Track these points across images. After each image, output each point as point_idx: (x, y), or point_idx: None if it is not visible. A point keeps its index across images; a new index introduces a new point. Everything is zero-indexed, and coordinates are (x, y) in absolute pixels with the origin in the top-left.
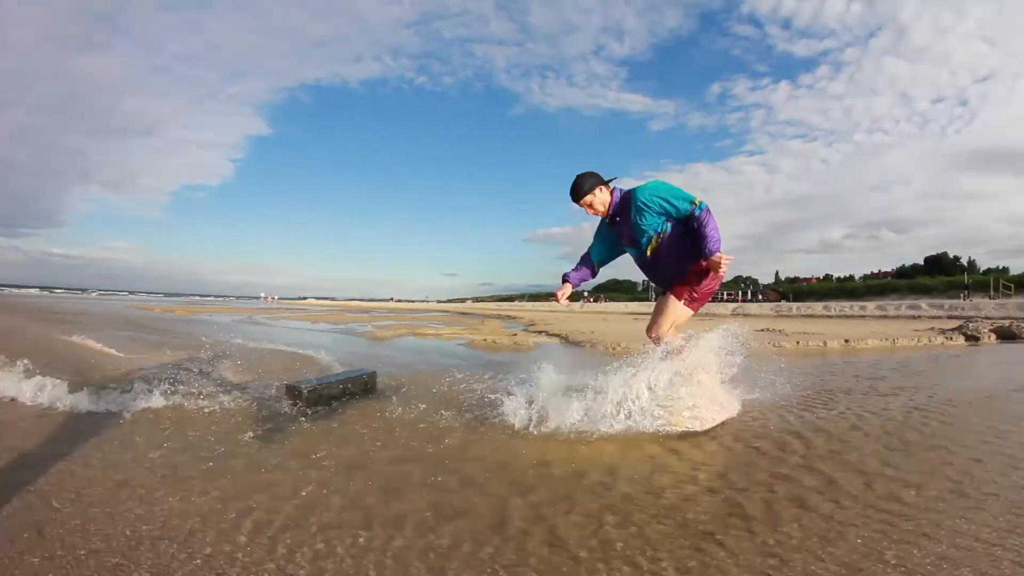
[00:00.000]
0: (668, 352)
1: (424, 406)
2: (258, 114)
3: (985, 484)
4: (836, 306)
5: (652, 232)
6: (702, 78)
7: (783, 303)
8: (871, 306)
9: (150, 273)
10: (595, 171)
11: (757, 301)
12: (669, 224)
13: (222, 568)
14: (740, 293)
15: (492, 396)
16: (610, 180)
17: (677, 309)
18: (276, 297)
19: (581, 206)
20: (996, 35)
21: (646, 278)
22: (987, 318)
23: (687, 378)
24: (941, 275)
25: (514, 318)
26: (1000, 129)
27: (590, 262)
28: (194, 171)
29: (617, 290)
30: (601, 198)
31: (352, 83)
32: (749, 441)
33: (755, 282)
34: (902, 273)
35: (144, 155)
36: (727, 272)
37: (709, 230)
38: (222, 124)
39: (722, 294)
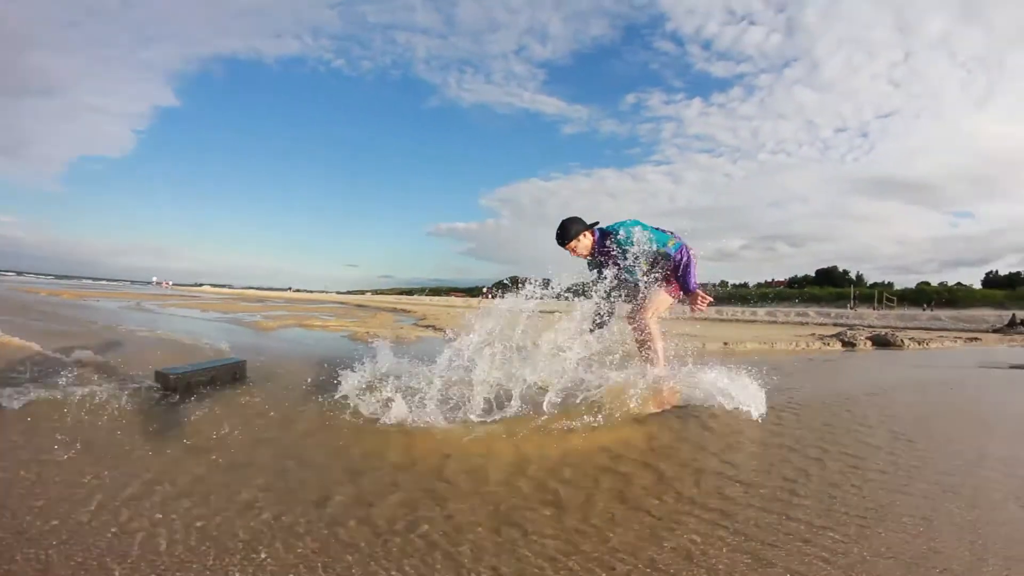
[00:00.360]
0: (643, 337)
1: (286, 395)
2: (168, 84)
3: (818, 483)
4: (728, 311)
5: (636, 269)
6: (618, 87)
7: (678, 306)
8: (762, 312)
9: (40, 252)
10: (578, 216)
11: None
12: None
13: (68, 535)
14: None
15: (352, 387)
16: (593, 224)
17: (660, 296)
18: (171, 283)
19: (566, 249)
20: (902, 78)
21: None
22: (869, 326)
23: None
24: (830, 286)
25: (409, 312)
26: (895, 161)
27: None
28: (94, 141)
29: (518, 287)
30: (584, 243)
31: (268, 59)
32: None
33: None
34: (794, 283)
35: (41, 118)
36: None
37: (685, 270)
38: (129, 92)
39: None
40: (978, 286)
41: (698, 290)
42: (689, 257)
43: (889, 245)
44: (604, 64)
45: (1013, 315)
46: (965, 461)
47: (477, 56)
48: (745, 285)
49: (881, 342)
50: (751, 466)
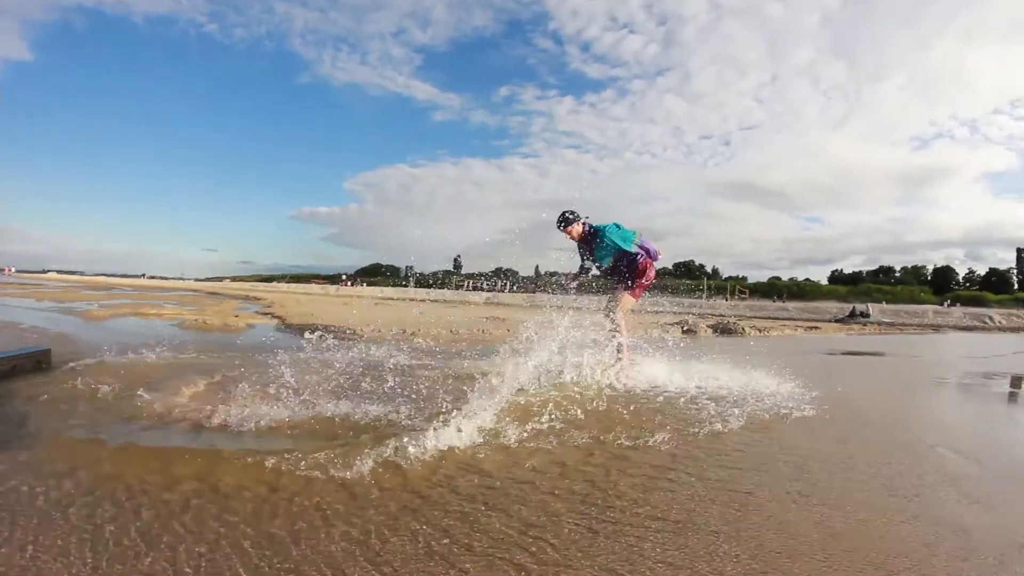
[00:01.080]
0: (614, 329)
1: (79, 381)
2: (22, 34)
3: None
4: (585, 300)
5: (608, 256)
6: (493, 79)
7: (538, 294)
8: None
9: None
10: (573, 209)
11: (513, 292)
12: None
13: None
14: (499, 283)
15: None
16: (585, 218)
17: (625, 297)
18: (13, 269)
19: (564, 232)
20: (767, 97)
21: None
22: (721, 315)
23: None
24: (687, 278)
25: (259, 299)
26: (754, 169)
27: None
28: None
29: (379, 274)
30: (577, 229)
31: (137, 16)
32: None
33: (514, 273)
34: None
35: None
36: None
37: (634, 266)
38: None
39: (482, 283)
40: (825, 282)
41: (640, 283)
42: (645, 259)
43: (744, 243)
44: (482, 55)
45: (853, 307)
46: None
47: (355, 35)
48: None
49: (723, 330)
50: None
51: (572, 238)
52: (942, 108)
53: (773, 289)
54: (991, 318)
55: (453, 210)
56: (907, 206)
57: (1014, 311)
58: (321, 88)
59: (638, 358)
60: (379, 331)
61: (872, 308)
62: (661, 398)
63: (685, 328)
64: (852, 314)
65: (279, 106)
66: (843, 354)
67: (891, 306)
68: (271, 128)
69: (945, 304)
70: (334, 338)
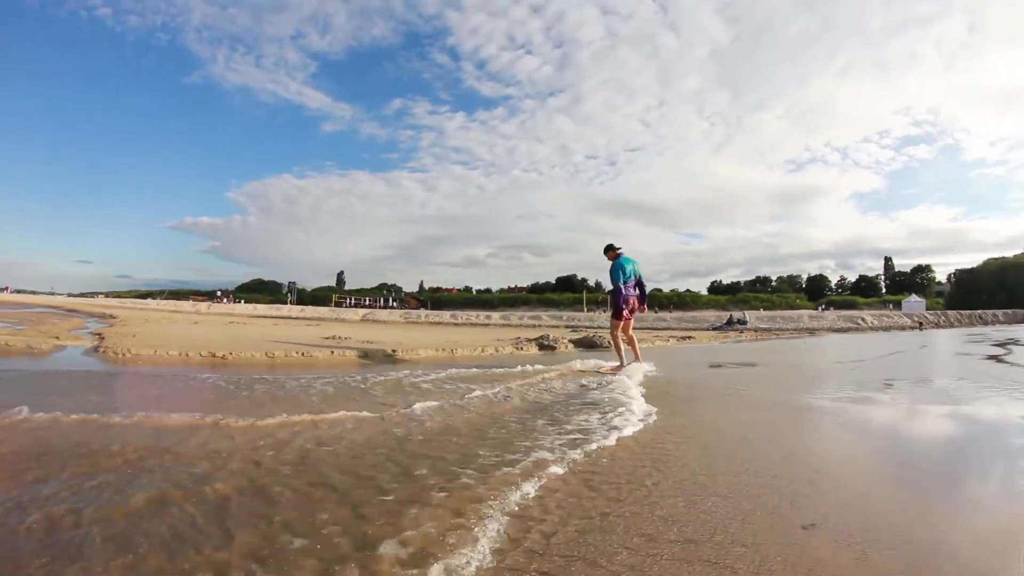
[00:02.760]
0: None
1: None
2: None
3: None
4: (464, 315)
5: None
6: (387, 91)
7: (421, 310)
8: (496, 316)
9: None
10: (610, 242)
11: (389, 307)
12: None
13: None
14: (382, 299)
15: None
16: (619, 248)
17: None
18: None
19: (607, 256)
20: (653, 121)
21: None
22: (599, 327)
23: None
24: (569, 292)
25: (113, 317)
26: (637, 188)
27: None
28: None
29: (261, 291)
30: (610, 256)
31: None
32: None
33: (398, 289)
34: (535, 289)
35: None
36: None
37: (617, 298)
38: None
39: (364, 299)
40: (705, 292)
41: (624, 311)
42: (620, 294)
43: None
44: (378, 66)
45: (731, 315)
46: None
47: (253, 34)
48: (489, 290)
49: (586, 344)
50: None
51: (610, 260)
52: (817, 136)
53: (654, 300)
54: (863, 319)
55: (338, 224)
56: (782, 222)
57: (884, 312)
58: (211, 89)
59: None
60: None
61: (749, 315)
62: None
63: (544, 343)
64: (730, 322)
65: (164, 106)
66: (710, 367)
67: (769, 312)
68: (154, 129)
69: (820, 308)
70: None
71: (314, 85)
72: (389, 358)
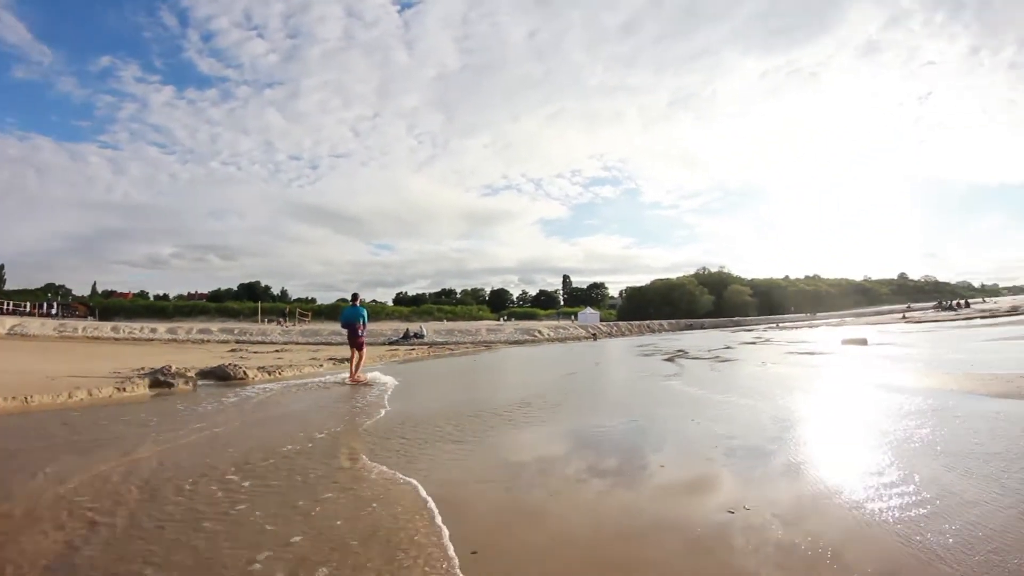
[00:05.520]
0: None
1: None
2: None
3: None
4: (129, 327)
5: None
6: (99, 43)
7: (85, 320)
8: (163, 329)
9: None
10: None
11: (50, 316)
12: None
13: None
14: (44, 305)
15: None
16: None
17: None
18: None
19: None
20: (364, 131)
21: None
22: (272, 342)
23: None
24: (250, 301)
25: None
26: (335, 195)
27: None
28: None
29: None
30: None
31: None
32: None
33: (66, 293)
34: (216, 296)
35: None
36: None
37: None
38: None
39: (23, 305)
40: (391, 303)
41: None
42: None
43: (316, 265)
44: (98, 8)
45: (407, 329)
46: None
47: None
48: (167, 297)
49: (219, 375)
50: None
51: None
52: (516, 167)
53: (336, 310)
54: (540, 331)
55: (4, 201)
56: (472, 239)
57: (561, 324)
58: None
59: None
60: None
61: (426, 328)
62: None
63: (161, 379)
64: (406, 335)
65: None
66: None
67: (449, 324)
68: None
69: (502, 320)
70: None
71: (17, 11)
72: None
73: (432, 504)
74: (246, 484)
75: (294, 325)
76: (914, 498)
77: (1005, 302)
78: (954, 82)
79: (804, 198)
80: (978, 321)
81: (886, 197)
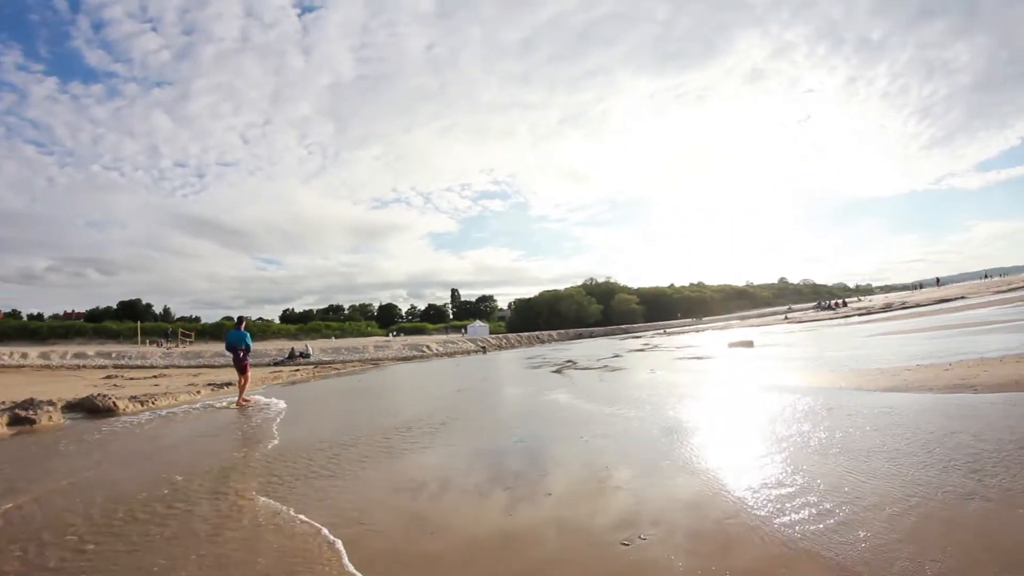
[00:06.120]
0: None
1: None
2: None
3: None
4: None
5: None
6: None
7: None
8: (35, 354)
9: None
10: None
11: None
12: None
13: None
14: None
15: None
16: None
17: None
18: None
19: (242, 327)
20: (254, 138)
21: None
22: (153, 366)
23: None
24: (131, 320)
25: None
26: (221, 206)
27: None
28: None
29: None
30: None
31: None
32: None
33: None
34: (94, 316)
35: None
36: None
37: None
38: None
39: None
40: (277, 321)
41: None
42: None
43: (201, 281)
44: None
45: (292, 348)
46: None
47: None
48: (40, 317)
49: (89, 408)
50: None
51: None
52: (405, 180)
53: (221, 328)
54: (429, 346)
55: None
56: (360, 253)
57: (449, 338)
58: None
59: None
60: None
61: (312, 347)
62: None
63: (20, 415)
64: (291, 355)
65: None
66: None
67: (337, 342)
68: None
69: (391, 335)
70: None
71: None
72: None
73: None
74: (90, 547)
75: (176, 347)
76: (822, 508)
77: (879, 300)
78: (832, 108)
79: (689, 210)
80: (855, 319)
81: (768, 208)
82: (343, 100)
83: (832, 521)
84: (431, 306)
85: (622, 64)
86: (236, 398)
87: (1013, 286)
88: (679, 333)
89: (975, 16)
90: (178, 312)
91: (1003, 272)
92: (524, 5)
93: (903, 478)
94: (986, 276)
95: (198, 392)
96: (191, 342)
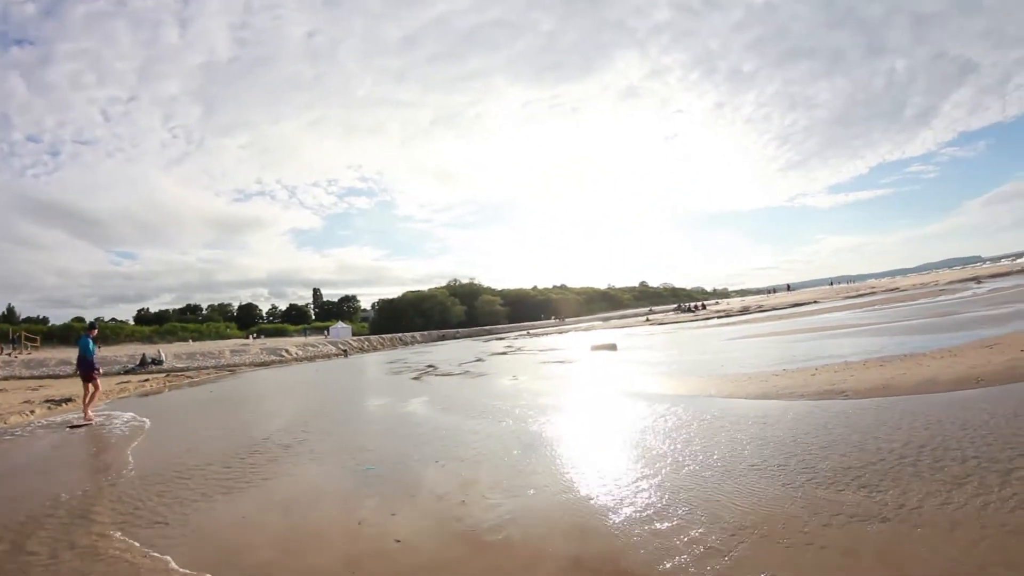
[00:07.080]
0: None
1: None
2: None
3: None
4: None
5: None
6: None
7: None
8: None
9: None
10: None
11: None
12: None
13: None
14: None
15: None
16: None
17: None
18: None
19: (92, 333)
20: (116, 116)
21: None
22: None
23: None
24: None
25: None
26: (75, 190)
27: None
28: None
29: None
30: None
31: None
32: None
33: None
34: None
35: None
36: None
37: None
38: None
39: None
40: (132, 322)
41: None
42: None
43: (49, 276)
44: None
45: (143, 355)
46: None
47: None
48: None
49: None
50: None
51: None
52: (271, 172)
53: (72, 331)
54: (288, 351)
55: None
56: (220, 249)
57: (309, 341)
58: None
59: None
60: None
61: (165, 352)
62: None
63: None
64: (143, 362)
65: None
66: None
67: (193, 345)
68: None
69: (251, 337)
70: None
71: None
72: None
73: None
74: None
75: (20, 353)
76: (713, 541)
77: (736, 303)
78: (700, 129)
79: (554, 215)
80: (715, 321)
81: (631, 216)
82: (214, 82)
83: (727, 560)
84: (292, 306)
85: (502, 70)
86: (81, 414)
87: (860, 292)
88: (543, 335)
89: (839, 62)
90: (24, 312)
91: (849, 279)
92: (415, 1)
93: (793, 498)
94: (832, 283)
95: (32, 412)
96: (36, 348)
